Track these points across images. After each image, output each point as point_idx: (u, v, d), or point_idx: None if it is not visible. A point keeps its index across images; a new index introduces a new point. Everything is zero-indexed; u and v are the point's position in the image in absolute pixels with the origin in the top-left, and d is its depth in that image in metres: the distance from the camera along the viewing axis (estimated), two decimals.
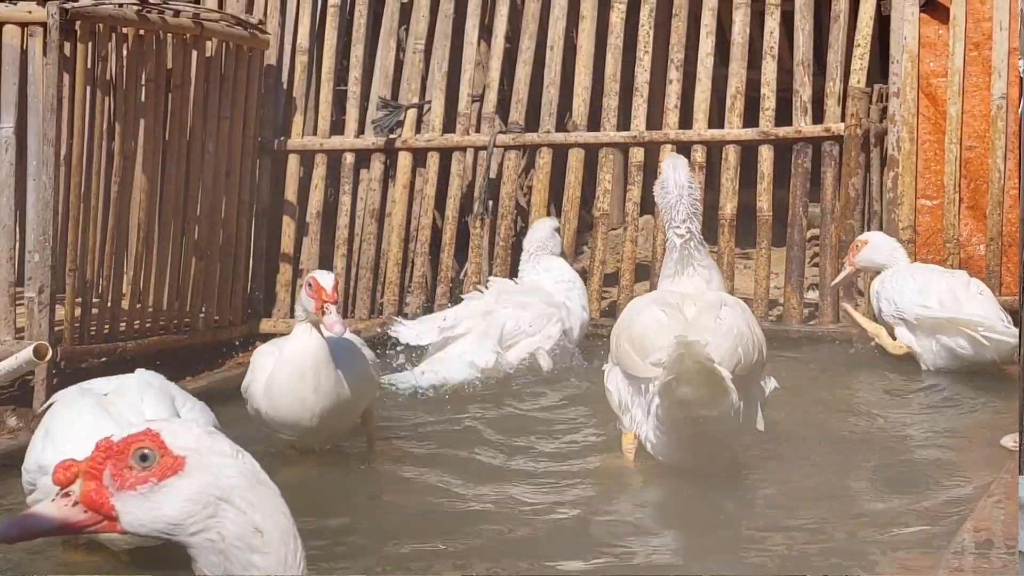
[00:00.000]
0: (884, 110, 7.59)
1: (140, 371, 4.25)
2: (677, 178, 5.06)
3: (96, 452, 2.04)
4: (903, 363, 6.40)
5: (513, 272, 7.94)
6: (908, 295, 6.33)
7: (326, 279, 4.79)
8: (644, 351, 4.50)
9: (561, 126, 8.21)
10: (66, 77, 6.49)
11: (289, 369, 4.78)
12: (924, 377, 6.23)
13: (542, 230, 7.29)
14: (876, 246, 6.74)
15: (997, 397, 5.73)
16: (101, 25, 6.69)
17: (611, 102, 8.07)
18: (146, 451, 2.02)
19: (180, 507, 2.00)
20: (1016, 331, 6.06)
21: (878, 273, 6.73)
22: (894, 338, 6.48)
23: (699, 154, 7.83)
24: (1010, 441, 4.28)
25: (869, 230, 7.52)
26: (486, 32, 8.41)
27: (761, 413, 4.59)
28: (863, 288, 7.44)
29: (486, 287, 6.97)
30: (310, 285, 4.79)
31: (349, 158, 8.36)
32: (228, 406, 4.92)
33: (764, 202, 7.63)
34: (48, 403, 4.22)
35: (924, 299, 6.27)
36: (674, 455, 4.53)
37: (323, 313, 4.71)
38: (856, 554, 3.74)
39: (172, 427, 2.06)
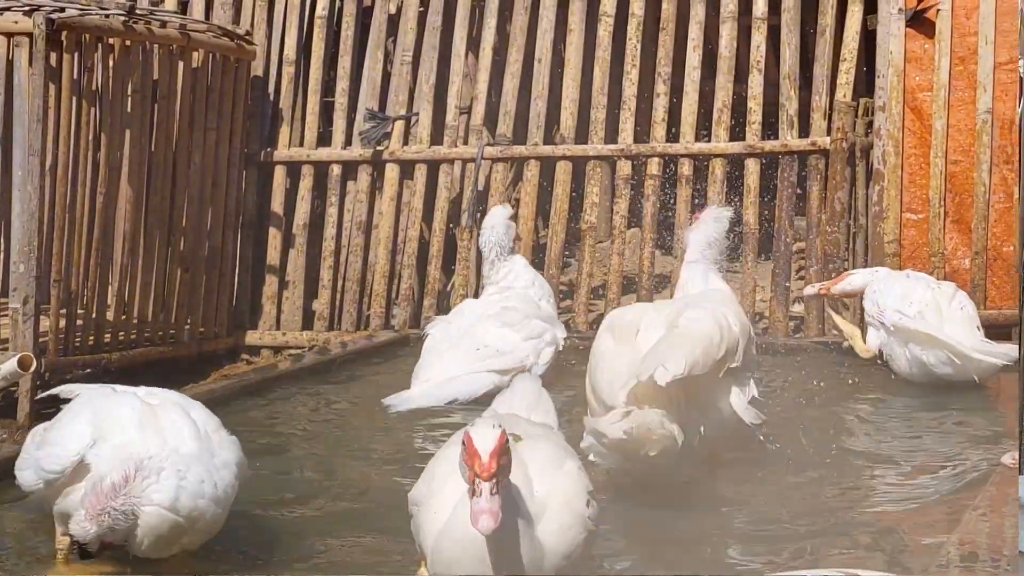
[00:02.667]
0: (870, 124, 7.61)
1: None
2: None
3: None
4: (878, 373, 6.36)
5: None
6: (891, 300, 6.32)
7: (484, 440, 3.15)
8: (596, 398, 4.46)
9: (549, 139, 8.22)
10: (52, 87, 6.48)
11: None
12: (899, 389, 6.18)
13: (499, 224, 6.77)
14: (852, 284, 6.71)
15: (973, 411, 5.73)
16: (87, 35, 6.69)
17: (599, 115, 8.08)
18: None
19: None
20: (992, 349, 6.04)
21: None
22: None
23: (686, 167, 7.84)
24: (1009, 459, 4.25)
25: (854, 244, 7.53)
26: (474, 44, 8.41)
27: (746, 407, 4.54)
28: (847, 302, 7.45)
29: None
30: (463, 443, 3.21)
31: (336, 170, 8.36)
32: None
33: (750, 215, 7.64)
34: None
35: (904, 305, 6.24)
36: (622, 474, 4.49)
37: (472, 492, 3.12)
38: (840, 564, 3.74)
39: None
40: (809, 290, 7.03)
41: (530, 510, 3.18)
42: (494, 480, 3.05)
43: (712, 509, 4.42)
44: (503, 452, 3.09)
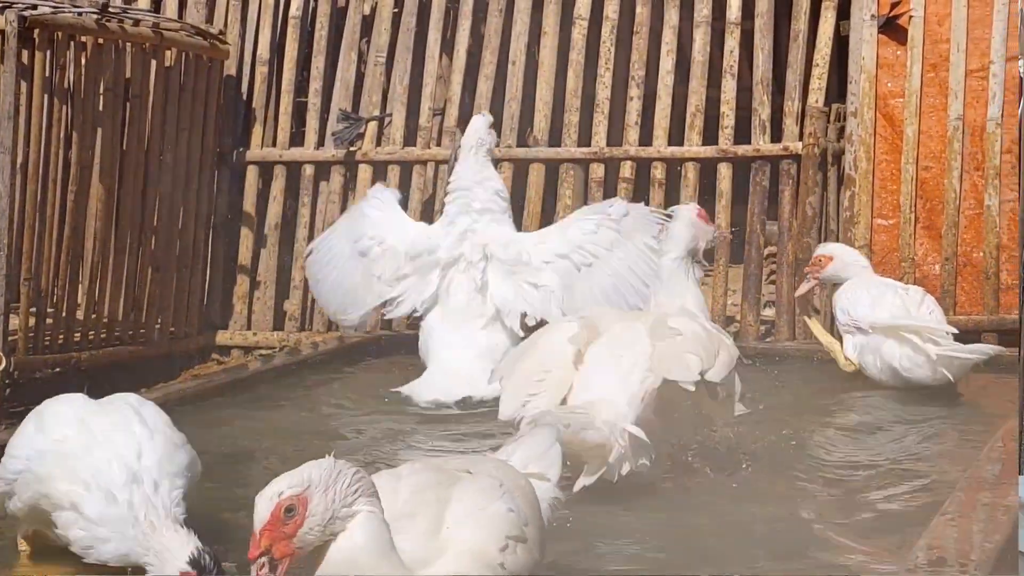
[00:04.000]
0: (841, 130, 7.64)
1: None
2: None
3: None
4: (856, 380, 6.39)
5: None
6: (861, 309, 6.33)
7: (257, 512, 2.84)
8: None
9: (522, 141, 8.22)
10: (23, 85, 6.45)
11: None
12: (869, 392, 6.20)
13: (481, 127, 6.86)
14: (842, 261, 6.69)
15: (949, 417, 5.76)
16: (60, 33, 6.66)
17: (572, 118, 8.09)
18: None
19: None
20: (962, 348, 6.06)
21: (837, 285, 6.72)
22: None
23: (659, 171, 7.86)
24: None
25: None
26: (448, 46, 8.41)
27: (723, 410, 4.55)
28: (819, 306, 7.48)
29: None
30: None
31: (309, 170, 8.34)
32: (184, 417, 4.89)
33: (722, 220, 7.65)
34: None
35: (876, 311, 6.27)
36: None
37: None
38: (811, 567, 3.75)
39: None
40: (802, 288, 6.91)
41: (423, 556, 2.91)
42: (262, 561, 2.76)
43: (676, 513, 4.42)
44: (278, 525, 2.76)
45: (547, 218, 8.23)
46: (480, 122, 6.88)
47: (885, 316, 6.21)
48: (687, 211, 5.30)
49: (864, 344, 6.28)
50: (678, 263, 5.13)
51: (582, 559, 3.88)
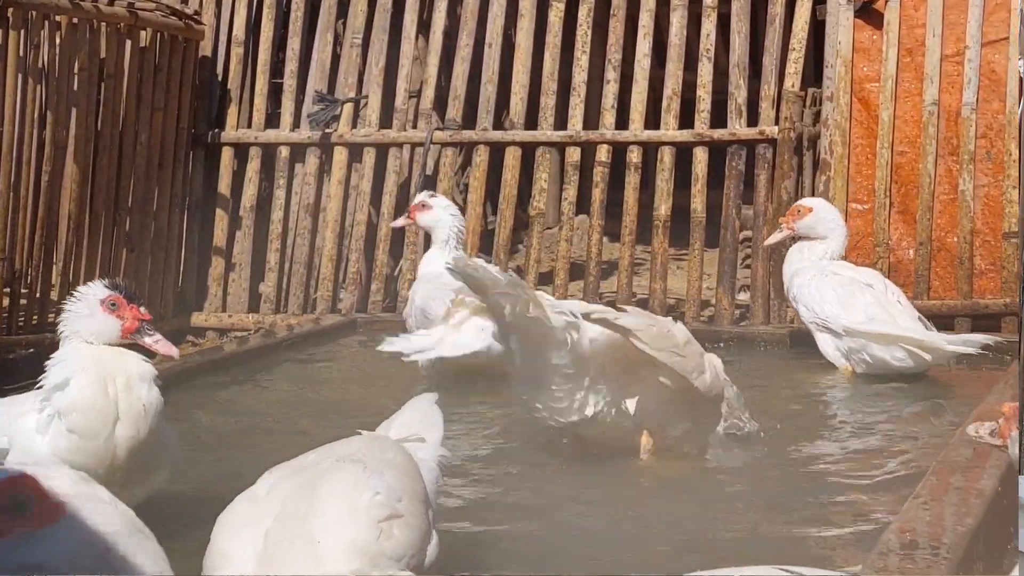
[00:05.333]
0: (817, 114, 7.66)
1: None
2: None
3: None
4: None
5: None
6: (829, 308, 6.16)
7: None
8: None
9: (498, 124, 8.22)
10: None
11: None
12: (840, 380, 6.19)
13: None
14: (820, 216, 6.49)
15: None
16: (34, 12, 6.62)
17: (548, 101, 8.09)
18: (23, 498, 1.90)
19: (58, 554, 1.89)
20: (954, 340, 6.05)
21: (796, 240, 6.56)
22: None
23: (635, 155, 7.86)
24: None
25: None
26: (424, 28, 8.40)
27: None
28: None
29: None
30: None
31: (284, 152, 8.32)
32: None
33: (698, 204, 7.67)
34: None
35: (850, 313, 6.14)
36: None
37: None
38: (781, 552, 3.77)
39: (50, 473, 1.95)
40: (774, 238, 6.70)
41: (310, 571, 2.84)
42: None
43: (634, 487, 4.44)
44: None
45: (522, 201, 8.24)
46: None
47: (861, 318, 6.06)
48: None
49: (850, 347, 6.14)
50: None
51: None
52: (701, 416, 4.61)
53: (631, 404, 4.46)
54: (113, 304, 3.81)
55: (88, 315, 3.84)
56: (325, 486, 2.93)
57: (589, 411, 4.46)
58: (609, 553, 3.76)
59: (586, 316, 4.37)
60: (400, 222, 6.94)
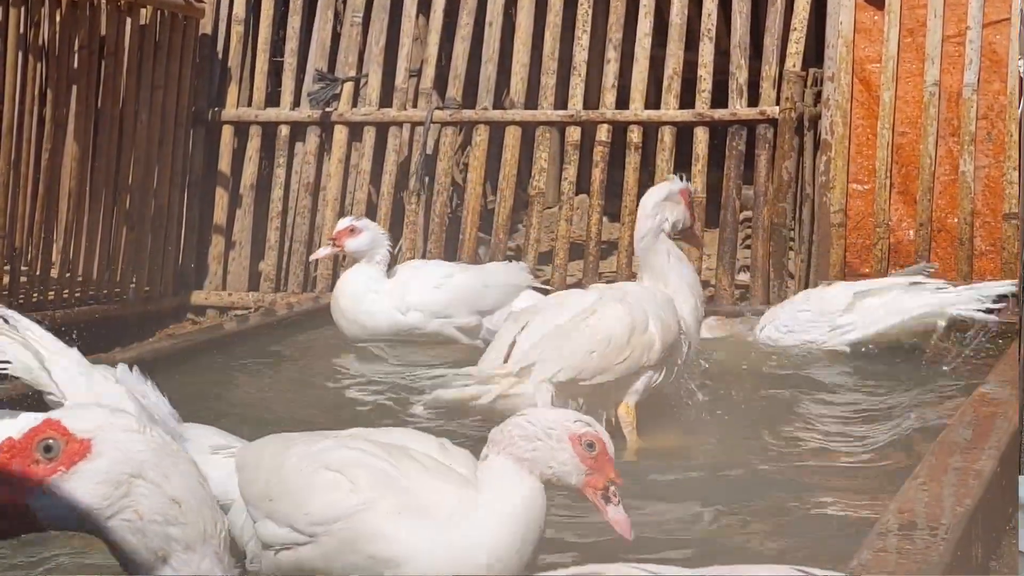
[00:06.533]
0: (818, 94, 7.65)
1: None
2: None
3: None
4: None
5: (449, 249, 7.94)
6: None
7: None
8: None
9: (498, 103, 8.21)
10: None
11: None
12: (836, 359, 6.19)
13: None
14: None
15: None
16: None
17: (549, 80, 8.08)
18: (50, 441, 1.94)
19: (94, 491, 1.94)
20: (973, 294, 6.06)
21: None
22: None
23: (635, 135, 7.86)
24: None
25: (801, 213, 7.58)
26: (425, 7, 8.38)
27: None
28: (792, 271, 7.52)
29: None
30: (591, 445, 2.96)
31: (284, 130, 8.31)
32: (158, 377, 4.88)
33: (698, 184, 7.66)
34: None
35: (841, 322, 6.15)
36: None
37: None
38: (781, 528, 3.78)
39: (73, 411, 1.99)
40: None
41: None
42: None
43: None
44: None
45: (522, 181, 8.23)
46: None
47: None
48: (652, 191, 5.17)
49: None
50: (648, 244, 5.01)
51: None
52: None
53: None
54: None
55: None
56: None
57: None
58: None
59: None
60: (324, 252, 6.89)
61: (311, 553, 2.99)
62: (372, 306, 6.43)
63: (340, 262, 8.16)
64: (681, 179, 5.13)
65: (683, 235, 5.17)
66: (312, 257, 7.39)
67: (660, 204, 5.02)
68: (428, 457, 3.06)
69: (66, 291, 7.07)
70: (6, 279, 6.56)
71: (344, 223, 6.62)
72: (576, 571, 2.00)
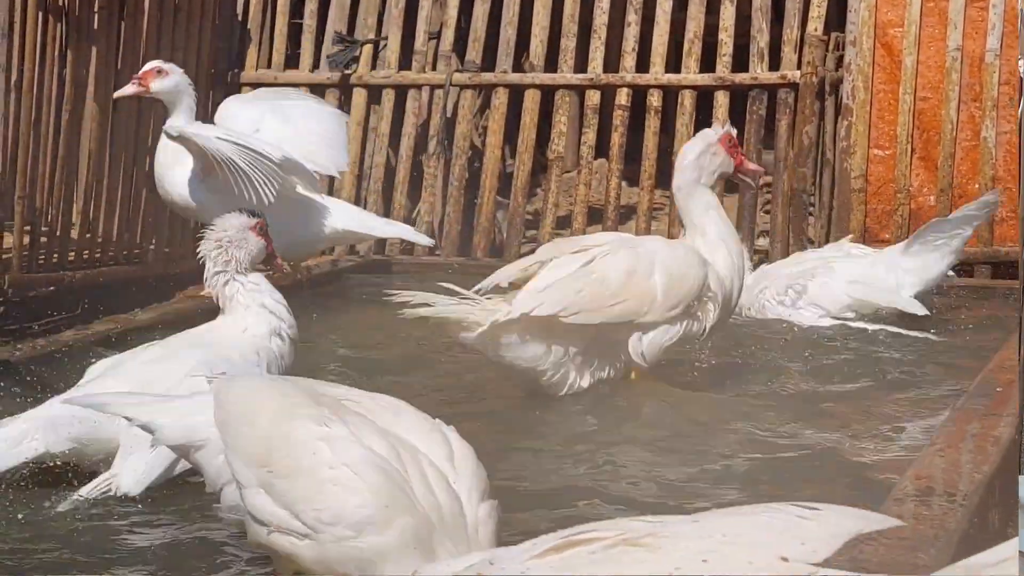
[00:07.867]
0: (840, 59, 7.61)
1: None
2: None
3: None
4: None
5: (467, 212, 7.94)
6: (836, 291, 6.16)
7: None
8: None
9: (518, 66, 8.18)
10: (18, 2, 6.39)
11: None
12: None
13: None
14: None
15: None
16: None
17: (569, 43, 8.05)
18: None
19: None
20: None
21: None
22: None
23: (655, 98, 7.83)
24: None
25: (821, 178, 7.56)
26: None
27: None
28: (814, 237, 7.50)
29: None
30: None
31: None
32: None
33: None
34: None
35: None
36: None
37: None
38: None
39: None
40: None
41: None
42: None
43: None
44: None
45: (541, 144, 8.21)
46: None
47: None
48: (689, 145, 5.08)
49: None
50: (688, 192, 4.94)
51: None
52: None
53: None
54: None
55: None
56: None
57: (585, 383, 4.66)
58: None
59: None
60: (128, 90, 6.48)
61: (310, 553, 2.79)
62: (176, 178, 6.46)
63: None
64: (723, 126, 5.02)
65: (734, 177, 5.09)
66: (117, 93, 6.93)
67: (697, 158, 4.93)
68: (433, 467, 2.84)
69: (86, 252, 7.09)
70: (26, 240, 6.58)
71: (152, 64, 6.43)
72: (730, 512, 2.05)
